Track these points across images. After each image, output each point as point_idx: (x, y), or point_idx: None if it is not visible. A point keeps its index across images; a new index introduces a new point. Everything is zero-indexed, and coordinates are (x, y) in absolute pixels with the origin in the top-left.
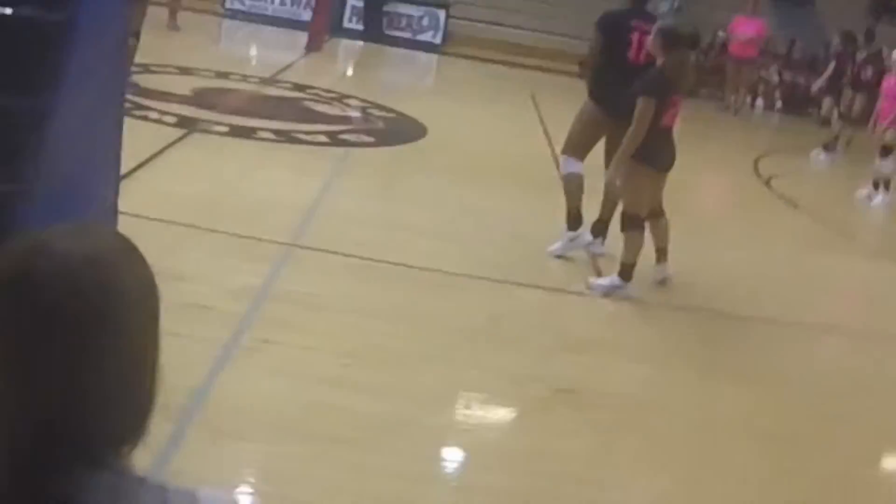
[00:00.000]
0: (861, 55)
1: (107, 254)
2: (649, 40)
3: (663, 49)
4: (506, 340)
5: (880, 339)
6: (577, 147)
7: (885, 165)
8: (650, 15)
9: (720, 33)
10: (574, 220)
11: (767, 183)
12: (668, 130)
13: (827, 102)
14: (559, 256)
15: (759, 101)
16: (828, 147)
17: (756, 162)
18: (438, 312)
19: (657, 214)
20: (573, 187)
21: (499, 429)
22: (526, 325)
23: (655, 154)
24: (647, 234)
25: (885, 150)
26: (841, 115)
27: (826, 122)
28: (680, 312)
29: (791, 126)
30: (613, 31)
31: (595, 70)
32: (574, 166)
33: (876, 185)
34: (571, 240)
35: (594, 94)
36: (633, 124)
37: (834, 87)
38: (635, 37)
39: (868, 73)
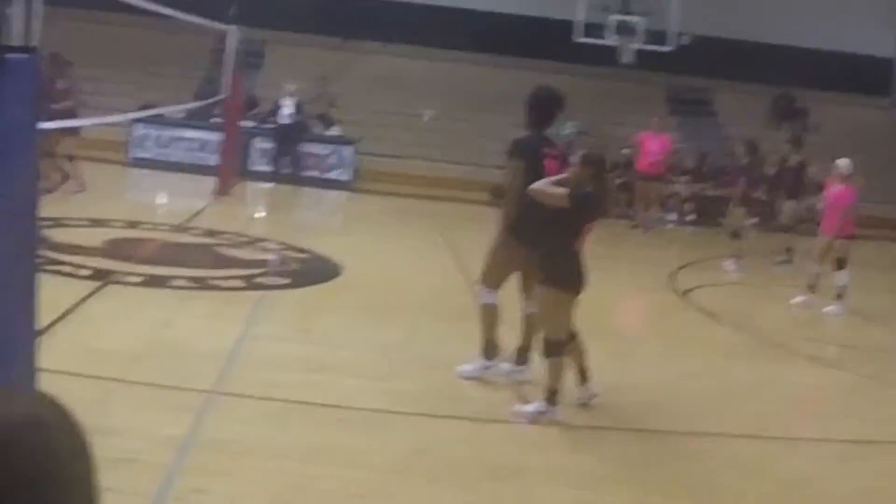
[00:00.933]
0: (792, 161)
1: (40, 417)
2: (573, 168)
3: (592, 176)
4: (434, 474)
5: (811, 443)
6: (494, 279)
7: (840, 277)
8: (552, 141)
9: (624, 151)
10: (489, 350)
11: (685, 296)
12: (580, 253)
13: (738, 213)
14: (469, 379)
15: (670, 216)
16: (738, 258)
17: (672, 276)
18: (364, 450)
19: (572, 336)
20: (489, 318)
21: None
22: (453, 456)
23: (570, 278)
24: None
25: (840, 262)
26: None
27: (736, 234)
28: (608, 433)
29: (703, 238)
30: (530, 157)
31: (513, 198)
32: (490, 297)
33: (811, 290)
34: (486, 368)
35: (511, 226)
36: (538, 197)
37: (746, 198)
38: (547, 163)
39: (797, 178)
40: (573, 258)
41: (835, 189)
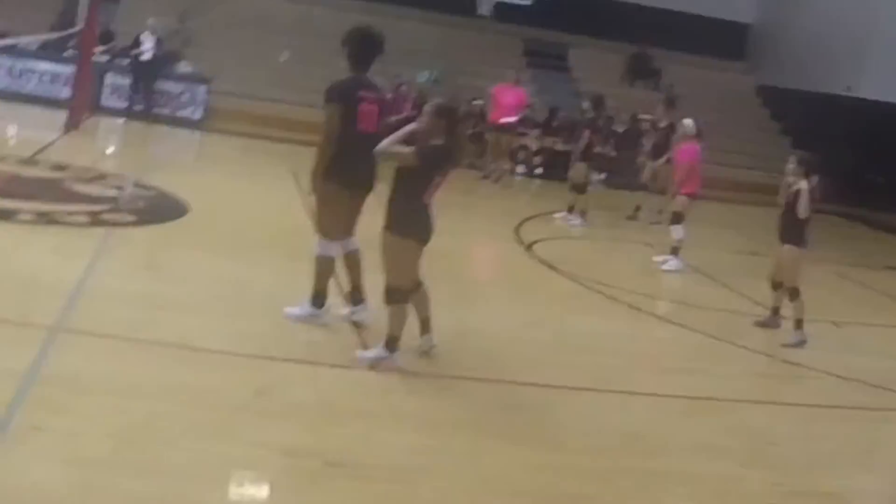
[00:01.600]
0: (662, 122)
1: None
2: (424, 118)
3: (444, 126)
4: (274, 414)
5: (650, 398)
6: (328, 228)
7: (676, 231)
8: (372, 84)
9: (477, 101)
10: (318, 299)
11: (529, 248)
12: (429, 205)
13: (580, 167)
14: (297, 322)
15: (520, 168)
16: (582, 212)
17: (517, 228)
18: (205, 389)
19: (417, 285)
20: (324, 269)
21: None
22: (293, 398)
23: (417, 227)
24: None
25: (676, 217)
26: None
27: (580, 188)
28: (449, 381)
29: (550, 192)
30: (346, 101)
31: (332, 143)
32: (324, 248)
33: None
34: (312, 315)
35: (331, 169)
36: (385, 159)
37: (590, 153)
38: (363, 107)
39: (665, 139)
40: (421, 209)
41: (679, 147)
